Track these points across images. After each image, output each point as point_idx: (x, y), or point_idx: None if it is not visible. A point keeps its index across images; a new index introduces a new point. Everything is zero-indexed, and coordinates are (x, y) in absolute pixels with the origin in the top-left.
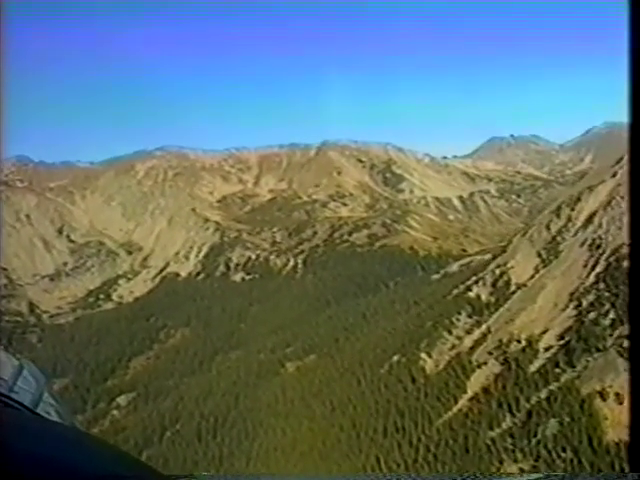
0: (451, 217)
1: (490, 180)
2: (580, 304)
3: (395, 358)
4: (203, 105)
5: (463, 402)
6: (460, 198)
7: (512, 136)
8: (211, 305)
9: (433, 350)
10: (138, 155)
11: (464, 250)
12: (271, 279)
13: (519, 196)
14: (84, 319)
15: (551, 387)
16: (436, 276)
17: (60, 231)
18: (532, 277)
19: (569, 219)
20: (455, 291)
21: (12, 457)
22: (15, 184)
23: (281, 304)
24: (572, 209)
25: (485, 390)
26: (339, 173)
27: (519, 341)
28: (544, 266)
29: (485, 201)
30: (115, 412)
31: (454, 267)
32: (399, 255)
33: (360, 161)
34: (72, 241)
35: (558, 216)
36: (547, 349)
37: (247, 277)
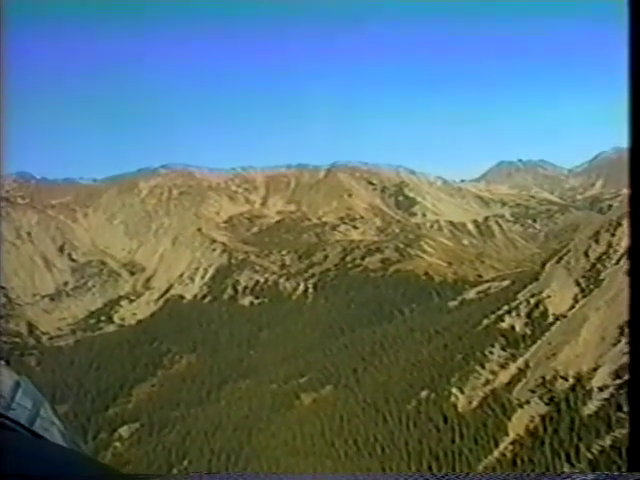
0: (465, 242)
1: (504, 204)
2: None
3: (423, 393)
4: (208, 123)
5: (505, 445)
6: (474, 222)
7: (520, 160)
8: (218, 330)
9: (465, 385)
10: (142, 173)
11: (480, 276)
12: (281, 304)
13: (535, 221)
14: (84, 342)
15: (616, 434)
16: (453, 303)
17: (61, 249)
18: (572, 307)
19: (609, 245)
20: (485, 321)
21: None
22: (16, 200)
23: (292, 330)
24: (612, 234)
25: (531, 433)
26: (349, 195)
27: (565, 378)
28: (584, 296)
29: (500, 225)
30: (117, 444)
31: (471, 294)
32: (414, 281)
33: (371, 183)
34: (73, 260)
35: (597, 242)
36: (602, 389)
37: (256, 301)
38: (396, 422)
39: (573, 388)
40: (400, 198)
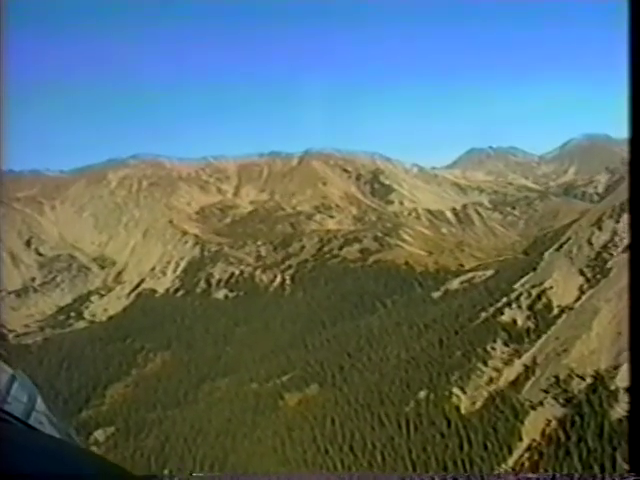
0: (444, 230)
1: (482, 191)
2: None
3: (422, 394)
4: (178, 111)
5: (520, 452)
6: (453, 210)
7: (491, 147)
8: (192, 325)
9: (467, 385)
10: (111, 163)
11: (462, 265)
12: (257, 297)
13: (514, 208)
14: (54, 340)
15: None
16: (437, 293)
17: (28, 244)
18: (578, 299)
19: (614, 232)
20: (483, 314)
21: (1, 472)
22: None
23: (270, 325)
24: (617, 221)
25: (550, 438)
26: (324, 183)
27: (582, 377)
28: (590, 286)
29: (479, 213)
30: (93, 449)
31: (455, 284)
32: (394, 271)
33: (345, 171)
34: (41, 254)
35: (600, 229)
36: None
37: (231, 294)
38: (395, 426)
39: (594, 389)
40: (376, 186)
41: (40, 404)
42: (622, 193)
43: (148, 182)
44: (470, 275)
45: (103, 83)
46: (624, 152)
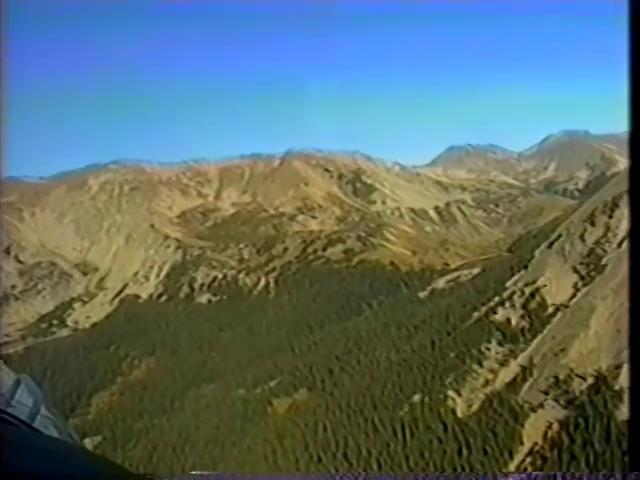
0: (428, 229)
1: (464, 189)
2: None
3: (416, 397)
4: (158, 116)
5: (521, 457)
6: (436, 209)
7: (470, 145)
8: (177, 331)
9: (462, 387)
10: (91, 169)
11: (447, 264)
12: (241, 301)
13: (497, 205)
14: (36, 348)
15: None
16: (423, 293)
17: (8, 251)
18: (573, 297)
19: (607, 228)
20: (476, 314)
21: (5, 472)
22: None
23: (255, 329)
24: (610, 216)
25: (553, 442)
26: (306, 184)
27: (582, 377)
28: (585, 284)
29: (462, 211)
30: None
31: (441, 283)
32: (380, 271)
33: (327, 171)
34: (21, 262)
35: (593, 224)
36: None
37: (214, 299)
38: (389, 432)
39: (597, 389)
40: (358, 185)
41: (44, 409)
42: (612, 188)
43: (129, 187)
44: (456, 274)
45: (82, 89)
46: (603, 148)
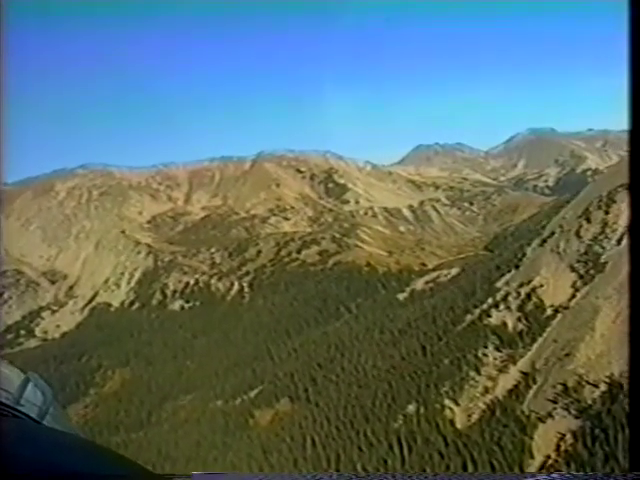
0: (402, 228)
1: (438, 187)
2: None
3: (410, 407)
4: (125, 120)
5: (534, 471)
6: (410, 208)
7: (438, 144)
8: (150, 340)
9: (460, 396)
10: (58, 174)
11: (424, 264)
12: (215, 306)
13: (472, 203)
14: (3, 360)
15: None
16: (402, 295)
17: None
18: (572, 297)
19: (605, 224)
20: (469, 316)
21: (17, 464)
22: None
23: (231, 336)
24: (606, 212)
25: (569, 455)
26: (277, 185)
27: (594, 384)
28: (584, 283)
29: (436, 210)
30: None
31: (419, 284)
32: (356, 273)
33: (299, 171)
34: None
35: (588, 221)
36: None
37: (187, 305)
38: (385, 446)
39: (613, 398)
40: (330, 185)
41: (52, 408)
42: (605, 184)
43: (98, 192)
44: (434, 274)
45: (46, 93)
46: (572, 145)
